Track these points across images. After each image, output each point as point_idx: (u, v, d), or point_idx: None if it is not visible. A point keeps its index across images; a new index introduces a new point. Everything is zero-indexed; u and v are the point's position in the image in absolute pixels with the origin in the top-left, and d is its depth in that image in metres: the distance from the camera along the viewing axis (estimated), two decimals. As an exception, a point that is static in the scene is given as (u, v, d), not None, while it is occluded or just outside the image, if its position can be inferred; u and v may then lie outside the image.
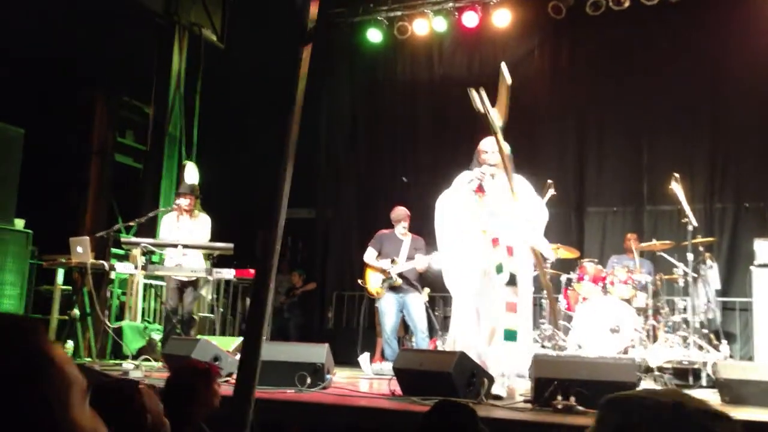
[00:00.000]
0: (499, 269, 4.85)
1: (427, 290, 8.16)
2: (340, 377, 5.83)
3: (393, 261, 7.39)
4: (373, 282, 7.52)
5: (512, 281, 4.84)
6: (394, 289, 7.38)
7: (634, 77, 9.08)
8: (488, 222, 4.97)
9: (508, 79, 4.92)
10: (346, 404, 4.06)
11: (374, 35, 10.31)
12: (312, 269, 10.58)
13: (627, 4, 8.88)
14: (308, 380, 4.66)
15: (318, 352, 4.90)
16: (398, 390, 4.50)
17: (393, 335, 7.41)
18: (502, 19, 9.58)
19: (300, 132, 2.42)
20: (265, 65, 9.50)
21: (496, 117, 4.88)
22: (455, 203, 5.08)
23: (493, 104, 4.87)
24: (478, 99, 4.83)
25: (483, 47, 10.00)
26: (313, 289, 10.27)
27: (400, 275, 7.35)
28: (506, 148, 5.02)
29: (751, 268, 7.01)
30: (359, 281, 7.81)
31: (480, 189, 5.06)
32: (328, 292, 10.23)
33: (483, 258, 4.88)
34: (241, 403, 1.30)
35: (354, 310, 9.81)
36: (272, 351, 5.21)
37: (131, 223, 7.71)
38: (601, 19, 9.08)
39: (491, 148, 5.09)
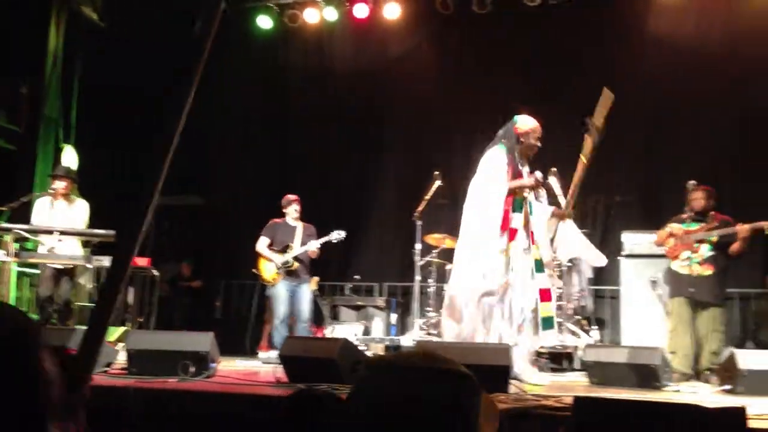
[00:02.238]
0: (539, 267, 5.18)
1: (316, 279, 8.22)
2: (227, 366, 5.79)
3: (288, 247, 7.46)
4: (267, 270, 7.55)
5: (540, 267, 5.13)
6: (290, 275, 7.44)
7: (517, 75, 9.44)
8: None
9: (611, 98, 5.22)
10: (229, 392, 4.04)
11: (264, 22, 10.20)
12: (201, 257, 10.39)
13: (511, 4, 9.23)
14: (192, 369, 4.60)
15: (202, 341, 4.84)
16: (284, 377, 4.52)
17: (284, 323, 7.45)
18: (392, 11, 9.71)
19: (187, 117, 2.39)
20: (148, 46, 9.24)
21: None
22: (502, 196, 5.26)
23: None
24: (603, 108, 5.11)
25: (373, 39, 10.11)
26: (198, 287, 10.10)
27: (297, 259, 7.43)
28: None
29: (619, 258, 7.48)
30: (253, 270, 7.79)
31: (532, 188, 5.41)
32: (217, 281, 10.09)
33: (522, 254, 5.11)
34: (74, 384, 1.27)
35: (243, 299, 9.73)
36: (155, 340, 5.12)
37: (3, 208, 7.30)
38: (487, 18, 9.36)
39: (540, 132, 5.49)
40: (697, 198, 6.44)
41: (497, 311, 5.08)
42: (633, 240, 7.40)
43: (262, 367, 6.32)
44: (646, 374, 4.92)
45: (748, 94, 8.34)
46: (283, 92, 10.47)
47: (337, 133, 10.23)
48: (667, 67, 8.76)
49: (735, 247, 6.12)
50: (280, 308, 7.42)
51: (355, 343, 6.76)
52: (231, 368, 5.71)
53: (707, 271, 6.19)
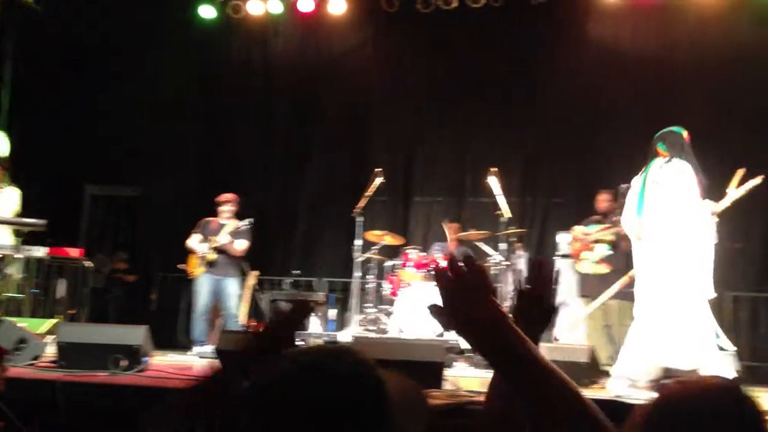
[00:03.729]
0: None
1: (255, 273, 8.18)
2: (161, 360, 5.70)
3: (209, 240, 7.47)
4: (192, 263, 7.59)
5: None
6: (211, 268, 7.41)
7: (460, 74, 9.55)
8: None
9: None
10: (161, 386, 3.99)
11: (207, 12, 10.05)
12: (136, 249, 10.18)
13: (455, 4, 9.32)
14: (123, 363, 4.52)
15: (135, 334, 4.77)
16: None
17: (202, 316, 7.45)
18: (338, 6, 9.69)
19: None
20: (84, 32, 9.01)
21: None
22: None
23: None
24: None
25: (319, 33, 10.07)
26: (133, 280, 9.91)
27: (217, 250, 7.39)
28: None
29: (554, 258, 7.66)
30: (179, 265, 7.78)
31: None
32: (153, 273, 9.90)
33: None
34: None
35: (179, 292, 9.58)
36: (86, 333, 5.01)
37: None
38: (431, 17, 9.45)
39: None
40: (602, 200, 6.73)
41: None
42: (567, 240, 7.58)
43: (197, 361, 6.25)
44: (575, 371, 5.05)
45: (680, 100, 8.62)
46: (225, 85, 10.32)
47: (279, 128, 10.16)
48: (604, 71, 8.99)
49: None
50: (199, 302, 7.47)
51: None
52: (165, 362, 5.63)
53: (604, 269, 6.45)
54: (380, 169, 8.05)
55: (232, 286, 7.54)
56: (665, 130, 4.99)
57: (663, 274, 4.52)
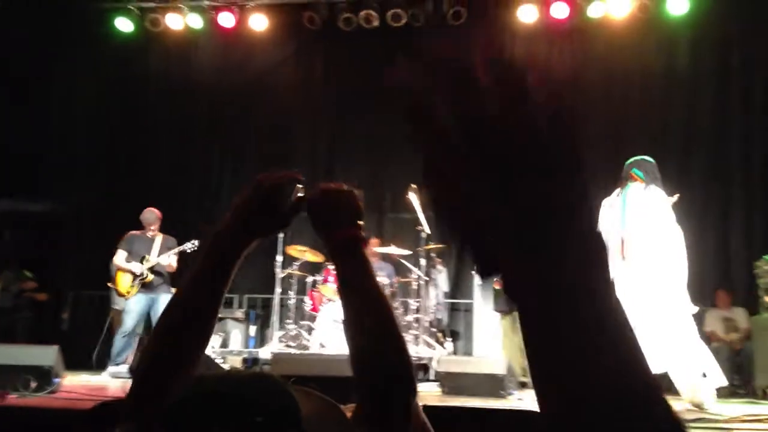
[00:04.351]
0: None
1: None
2: (74, 380, 5.52)
3: (144, 259, 7.27)
4: (123, 283, 7.31)
5: None
6: (146, 287, 7.23)
7: (380, 93, 9.66)
8: None
9: None
10: (72, 408, 3.86)
11: (124, 25, 9.84)
12: (46, 267, 9.80)
13: (376, 23, 9.46)
14: (33, 384, 4.36)
15: (46, 355, 4.61)
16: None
17: (130, 336, 7.22)
18: (259, 22, 9.68)
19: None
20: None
21: None
22: None
23: None
24: None
25: (240, 49, 10.02)
26: (43, 299, 9.51)
27: (153, 271, 7.22)
28: None
29: (473, 272, 7.81)
30: (108, 284, 7.52)
31: None
32: (65, 292, 9.55)
33: None
34: None
35: (93, 311, 9.27)
36: (-7, 354, 4.80)
37: None
38: (353, 35, 9.56)
39: None
40: None
41: None
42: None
43: (111, 382, 6.07)
44: (493, 383, 5.18)
45: (590, 118, 8.98)
46: (143, 100, 10.13)
47: (198, 143, 10.04)
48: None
49: None
50: (129, 322, 7.22)
51: (212, 355, 6.64)
52: (77, 383, 5.45)
53: None
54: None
55: (167, 299, 7.28)
56: (638, 158, 5.27)
57: (653, 290, 4.74)
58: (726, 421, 4.11)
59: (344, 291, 1.29)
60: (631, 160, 5.30)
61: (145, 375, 1.22)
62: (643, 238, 4.86)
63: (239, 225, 1.30)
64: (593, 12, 9.20)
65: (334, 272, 5.78)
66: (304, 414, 0.98)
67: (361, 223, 1.30)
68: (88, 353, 8.52)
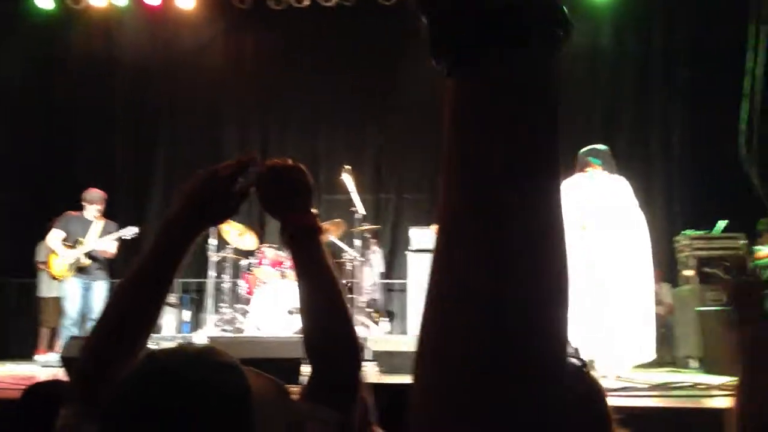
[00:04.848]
0: None
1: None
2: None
3: (78, 242, 6.96)
4: (56, 265, 6.98)
5: None
6: (81, 271, 6.95)
7: (313, 72, 9.61)
8: None
9: None
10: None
11: (44, 2, 9.46)
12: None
13: (307, 2, 9.37)
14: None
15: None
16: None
17: (77, 323, 6.93)
18: (186, 1, 9.46)
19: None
20: None
21: None
22: None
23: None
24: None
25: (166, 28, 9.77)
26: None
27: (89, 256, 6.95)
28: None
29: (407, 253, 7.90)
30: (40, 265, 7.21)
31: None
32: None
33: None
34: None
35: (11, 298, 8.96)
36: None
37: None
38: (284, 14, 9.45)
39: None
40: None
41: None
42: (419, 235, 7.84)
43: (41, 371, 5.92)
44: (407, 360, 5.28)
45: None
46: (63, 80, 9.77)
47: (122, 125, 9.78)
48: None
49: None
50: (70, 307, 6.92)
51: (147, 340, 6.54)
52: (1, 373, 5.29)
53: None
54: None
55: (101, 289, 7.03)
56: (593, 146, 5.52)
57: (616, 265, 5.00)
58: (649, 389, 4.31)
59: (301, 274, 1.33)
60: (586, 149, 5.51)
61: (90, 359, 1.22)
62: (611, 217, 5.12)
63: (191, 213, 1.28)
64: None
65: (268, 254, 5.74)
66: (252, 390, 0.99)
67: (314, 210, 1.35)
68: (6, 342, 8.27)
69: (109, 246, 7.05)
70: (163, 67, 9.72)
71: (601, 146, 5.54)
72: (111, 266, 7.29)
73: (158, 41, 9.82)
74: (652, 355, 5.11)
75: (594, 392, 1.28)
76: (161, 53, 9.75)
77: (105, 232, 7.12)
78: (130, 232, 7.12)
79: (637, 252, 5.11)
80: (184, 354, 1.01)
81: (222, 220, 1.36)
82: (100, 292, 7.04)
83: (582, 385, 1.28)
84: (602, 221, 5.10)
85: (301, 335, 1.33)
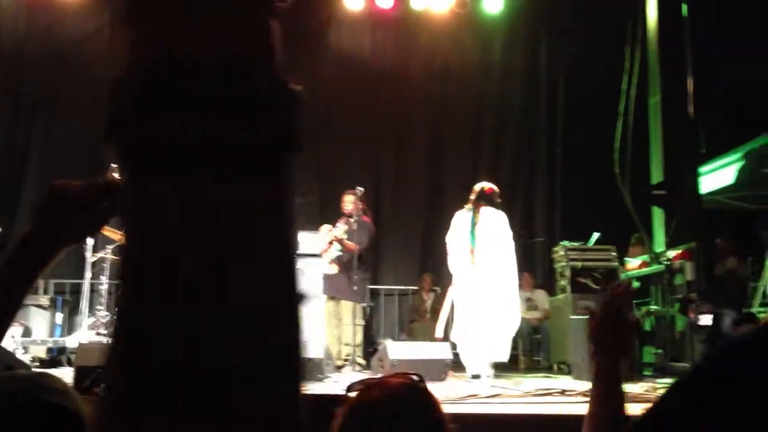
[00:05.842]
0: None
1: None
2: None
3: None
4: None
5: None
6: None
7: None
8: None
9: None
10: None
11: None
12: None
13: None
14: None
15: None
16: None
17: None
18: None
19: None
20: None
21: None
22: None
23: None
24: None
25: (47, 16, 9.24)
26: None
27: None
28: None
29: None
30: None
31: None
32: None
33: None
34: None
35: None
36: None
37: None
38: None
39: None
40: (346, 202, 7.06)
41: None
42: (305, 239, 7.78)
43: None
44: (312, 367, 5.26)
45: (412, 110, 9.28)
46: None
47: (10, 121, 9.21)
48: (342, 79, 9.39)
49: None
50: None
51: (14, 346, 6.18)
52: None
53: (334, 269, 6.86)
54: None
55: None
56: (484, 184, 6.14)
57: (496, 290, 5.83)
58: (521, 396, 4.46)
59: None
60: (481, 186, 6.10)
61: None
62: (490, 251, 5.86)
63: (44, 233, 1.13)
64: (416, 4, 9.48)
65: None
66: (86, 416, 0.96)
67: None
68: None
69: None
70: (42, 57, 9.19)
71: (486, 183, 6.15)
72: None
73: (37, 29, 9.27)
74: (505, 356, 5.86)
75: (430, 404, 1.38)
76: (40, 42, 9.21)
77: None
78: None
79: (505, 274, 5.93)
80: (14, 379, 0.98)
81: (80, 240, 1.23)
82: None
83: (419, 399, 1.37)
84: (483, 251, 5.83)
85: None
